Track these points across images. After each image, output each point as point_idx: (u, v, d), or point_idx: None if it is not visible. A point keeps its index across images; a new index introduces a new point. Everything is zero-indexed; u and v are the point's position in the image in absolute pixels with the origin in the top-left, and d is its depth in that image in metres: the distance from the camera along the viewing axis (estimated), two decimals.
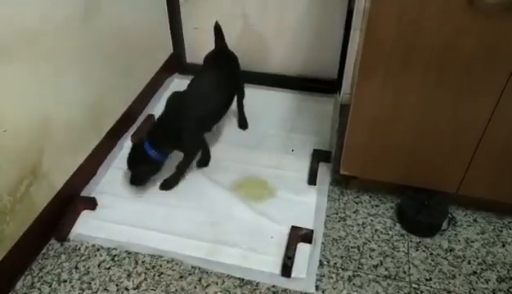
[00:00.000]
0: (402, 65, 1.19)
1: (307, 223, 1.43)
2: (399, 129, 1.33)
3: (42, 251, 1.36)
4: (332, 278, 1.30)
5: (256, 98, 2.06)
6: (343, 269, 1.32)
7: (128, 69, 1.80)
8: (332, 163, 1.68)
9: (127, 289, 1.26)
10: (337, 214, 1.50)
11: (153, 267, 1.32)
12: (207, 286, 1.27)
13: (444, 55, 1.15)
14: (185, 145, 1.50)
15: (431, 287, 1.28)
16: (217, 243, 1.38)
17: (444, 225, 1.44)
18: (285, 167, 1.66)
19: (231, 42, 2.08)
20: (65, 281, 1.28)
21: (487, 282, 1.29)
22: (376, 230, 1.45)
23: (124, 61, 1.75)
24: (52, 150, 1.36)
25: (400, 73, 1.21)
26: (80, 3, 1.41)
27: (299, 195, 1.55)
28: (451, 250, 1.38)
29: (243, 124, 1.87)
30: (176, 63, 2.20)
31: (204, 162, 1.65)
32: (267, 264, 1.32)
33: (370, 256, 1.36)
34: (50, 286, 1.27)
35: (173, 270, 1.31)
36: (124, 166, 1.52)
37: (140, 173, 1.51)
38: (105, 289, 1.26)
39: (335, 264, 1.34)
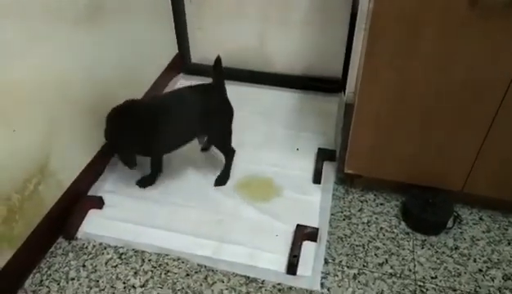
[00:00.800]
0: (406, 64, 1.20)
1: (312, 221, 1.44)
2: (403, 128, 1.33)
3: (51, 250, 1.38)
4: (337, 275, 1.30)
5: (261, 97, 2.08)
6: (348, 267, 1.33)
7: (133, 69, 1.81)
8: (337, 162, 1.69)
9: (134, 287, 1.27)
10: (342, 212, 1.51)
11: (159, 265, 1.33)
12: (213, 284, 1.28)
13: (447, 54, 1.15)
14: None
15: (436, 284, 1.28)
16: (222, 242, 1.39)
17: (449, 223, 1.44)
18: (289, 166, 1.67)
19: (236, 42, 2.10)
20: (72, 279, 1.30)
21: (492, 280, 1.29)
22: (381, 228, 1.45)
23: (129, 61, 1.76)
24: (60, 149, 1.38)
25: (403, 71, 1.21)
26: (84, 5, 1.43)
27: (304, 194, 1.56)
28: (456, 248, 1.39)
29: (219, 181, 1.60)
30: (181, 63, 2.21)
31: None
32: (272, 262, 1.33)
33: (375, 254, 1.36)
34: (58, 284, 1.28)
35: (180, 268, 1.32)
36: None
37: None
38: (112, 287, 1.27)
39: (340, 262, 1.34)
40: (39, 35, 1.24)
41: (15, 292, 1.25)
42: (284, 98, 2.07)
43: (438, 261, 1.34)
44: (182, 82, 2.17)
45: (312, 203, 1.52)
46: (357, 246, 1.39)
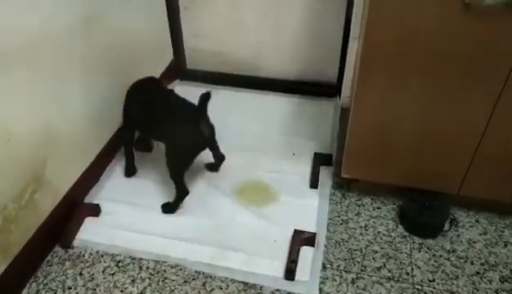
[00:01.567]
0: (401, 69, 1.21)
1: (309, 226, 1.44)
2: (399, 131, 1.34)
3: (47, 258, 1.37)
4: (335, 280, 1.30)
5: (257, 103, 2.08)
6: (346, 271, 1.33)
7: (130, 75, 1.80)
8: (333, 166, 1.69)
9: None
10: (339, 217, 1.51)
11: (157, 272, 1.32)
12: (211, 290, 1.27)
13: (442, 59, 1.16)
14: None
15: (434, 288, 1.28)
16: (220, 248, 1.39)
17: (446, 226, 1.44)
18: (286, 171, 1.67)
19: (231, 48, 2.11)
20: (69, 288, 1.29)
21: (490, 283, 1.29)
22: (379, 232, 1.45)
23: (126, 68, 1.76)
24: (56, 157, 1.37)
25: (399, 76, 1.22)
26: (81, 12, 1.43)
27: (301, 199, 1.56)
28: (453, 251, 1.39)
29: (166, 208, 1.54)
30: (176, 69, 2.22)
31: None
32: (270, 267, 1.33)
33: (372, 258, 1.37)
34: (55, 293, 1.27)
35: (177, 275, 1.32)
36: None
37: None
38: None
39: (338, 266, 1.34)
40: (35, 44, 1.23)
41: None
42: (280, 103, 2.07)
43: (436, 264, 1.35)
44: (178, 88, 2.17)
45: (310, 208, 1.52)
46: (354, 250, 1.39)
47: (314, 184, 1.61)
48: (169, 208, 1.52)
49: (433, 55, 1.16)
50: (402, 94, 1.26)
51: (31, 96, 1.25)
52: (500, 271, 1.33)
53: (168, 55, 2.17)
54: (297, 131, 1.90)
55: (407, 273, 1.32)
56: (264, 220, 1.47)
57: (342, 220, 1.50)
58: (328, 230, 1.46)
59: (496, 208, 1.50)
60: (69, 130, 1.44)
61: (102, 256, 1.37)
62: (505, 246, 1.40)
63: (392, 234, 1.45)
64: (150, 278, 1.31)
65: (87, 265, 1.35)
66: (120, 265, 1.35)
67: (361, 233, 1.45)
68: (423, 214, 1.42)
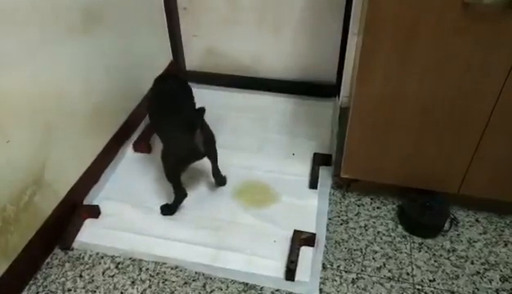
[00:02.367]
0: (400, 67, 1.20)
1: (309, 226, 1.44)
2: (399, 131, 1.34)
3: (47, 260, 1.37)
4: (336, 280, 1.30)
5: (256, 103, 2.08)
6: (346, 271, 1.33)
7: (129, 76, 1.81)
8: (333, 167, 1.69)
9: None
10: (339, 217, 1.51)
11: (157, 274, 1.32)
12: (211, 292, 1.27)
13: (442, 57, 1.16)
14: None
15: (435, 287, 1.28)
16: (220, 249, 1.39)
17: (446, 226, 1.44)
18: (286, 172, 1.67)
19: (230, 49, 2.11)
20: (69, 290, 1.28)
21: (490, 282, 1.29)
22: (378, 232, 1.45)
23: (124, 69, 1.76)
24: (55, 159, 1.37)
25: (398, 75, 1.22)
26: (80, 14, 1.43)
27: (301, 199, 1.56)
28: (453, 250, 1.39)
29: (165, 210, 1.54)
30: (175, 70, 2.21)
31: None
32: (270, 268, 1.33)
33: (373, 258, 1.36)
34: None
35: (177, 277, 1.31)
36: (126, 173, 1.52)
37: None
38: None
39: (338, 266, 1.34)
40: (35, 45, 1.23)
41: None
42: (279, 103, 2.07)
43: (436, 264, 1.35)
44: None
45: (309, 208, 1.52)
46: (354, 250, 1.39)
47: (314, 184, 1.61)
48: (168, 210, 1.52)
49: (433, 53, 1.16)
50: (401, 93, 1.25)
51: (30, 97, 1.25)
52: (501, 270, 1.33)
53: (167, 57, 2.17)
54: (296, 131, 1.89)
55: (407, 273, 1.32)
56: (264, 221, 1.47)
57: (342, 220, 1.50)
58: (328, 230, 1.45)
59: (495, 207, 1.50)
60: (68, 131, 1.44)
61: (102, 258, 1.37)
62: (506, 245, 1.40)
63: (392, 234, 1.45)
64: (150, 280, 1.31)
65: (87, 266, 1.35)
66: (120, 266, 1.35)
67: (360, 234, 1.45)
68: (423, 214, 1.42)
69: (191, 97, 1.58)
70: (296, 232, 1.40)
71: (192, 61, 2.22)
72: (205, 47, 2.16)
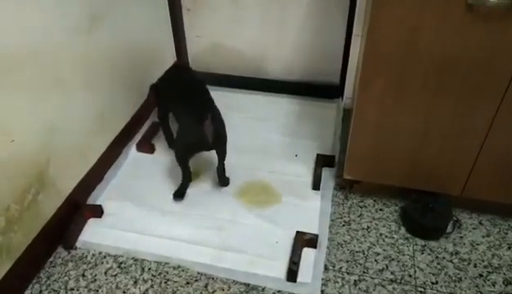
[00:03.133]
0: (403, 70, 1.20)
1: (311, 228, 1.44)
2: (402, 132, 1.34)
3: (50, 259, 1.38)
4: (338, 282, 1.30)
5: (259, 104, 2.09)
6: (348, 273, 1.33)
7: (132, 77, 1.82)
8: (336, 168, 1.69)
9: None
10: (341, 218, 1.51)
11: (159, 274, 1.33)
12: (213, 292, 1.27)
13: (445, 60, 1.15)
14: None
15: (437, 290, 1.27)
16: (222, 249, 1.39)
17: (449, 228, 1.44)
18: (288, 172, 1.67)
19: (234, 50, 2.12)
20: (72, 289, 1.29)
21: (493, 285, 1.29)
22: (381, 234, 1.45)
23: (128, 70, 1.77)
24: (59, 159, 1.38)
25: (401, 77, 1.22)
26: (84, 15, 1.44)
27: (304, 200, 1.56)
28: (456, 253, 1.38)
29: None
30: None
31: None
32: (272, 269, 1.33)
33: (375, 260, 1.36)
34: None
35: (180, 277, 1.32)
36: (130, 173, 1.53)
37: None
38: None
39: (341, 268, 1.34)
40: (39, 44, 1.24)
41: None
42: (282, 104, 2.07)
43: (439, 267, 1.34)
44: None
45: (312, 209, 1.52)
46: (356, 252, 1.39)
47: (316, 185, 1.61)
48: (178, 194, 1.57)
49: (436, 56, 1.15)
50: (404, 95, 1.25)
51: (34, 98, 1.26)
52: (504, 273, 1.32)
53: (171, 57, 2.18)
54: (299, 132, 1.89)
55: (410, 276, 1.31)
56: (266, 222, 1.47)
57: (344, 221, 1.50)
58: (330, 232, 1.45)
59: (499, 210, 1.50)
60: (71, 131, 1.45)
61: (105, 257, 1.38)
62: (509, 248, 1.40)
63: (395, 236, 1.44)
64: (152, 280, 1.31)
65: (90, 266, 1.35)
66: (123, 266, 1.35)
67: (363, 235, 1.44)
68: (425, 216, 1.41)
69: (207, 90, 1.57)
70: (298, 233, 1.40)
71: (196, 62, 2.23)
72: (209, 48, 2.16)
